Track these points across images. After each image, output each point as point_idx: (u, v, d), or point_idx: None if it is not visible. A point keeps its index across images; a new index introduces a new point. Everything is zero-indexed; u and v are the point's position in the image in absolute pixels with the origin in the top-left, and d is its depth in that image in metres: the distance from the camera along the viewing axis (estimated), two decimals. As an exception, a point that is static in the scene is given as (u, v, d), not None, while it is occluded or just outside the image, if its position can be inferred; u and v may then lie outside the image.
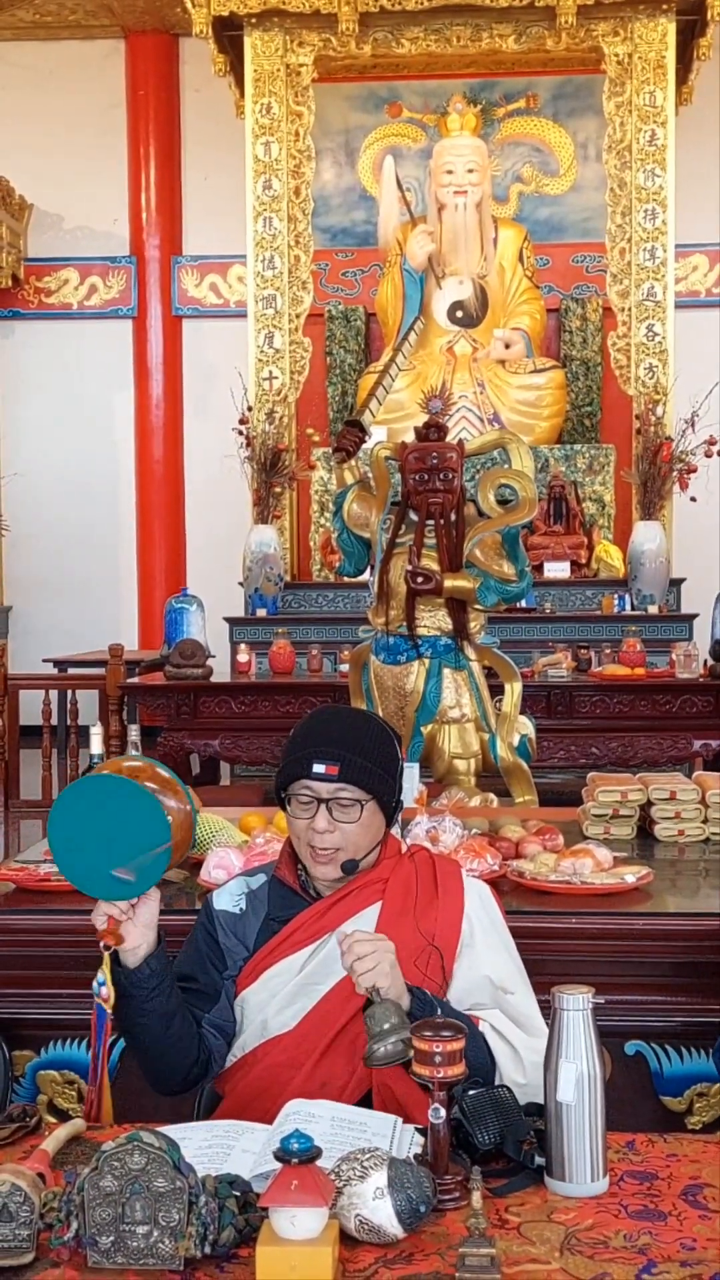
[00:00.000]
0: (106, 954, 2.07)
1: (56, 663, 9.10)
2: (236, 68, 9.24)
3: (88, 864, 2.03)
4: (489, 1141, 1.84)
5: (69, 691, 7.89)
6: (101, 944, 2.06)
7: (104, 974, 2.07)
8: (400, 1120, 1.90)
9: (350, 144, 10.41)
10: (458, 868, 2.34)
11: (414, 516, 4.00)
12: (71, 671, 8.80)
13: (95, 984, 2.08)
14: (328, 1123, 1.84)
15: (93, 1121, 2.11)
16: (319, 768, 2.19)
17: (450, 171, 9.47)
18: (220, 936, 2.25)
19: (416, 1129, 1.88)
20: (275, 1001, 2.17)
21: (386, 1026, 1.92)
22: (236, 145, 9.26)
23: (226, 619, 8.20)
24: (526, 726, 4.15)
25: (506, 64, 9.59)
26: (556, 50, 8.94)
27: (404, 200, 9.37)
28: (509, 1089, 1.94)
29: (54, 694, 7.79)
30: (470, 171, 9.48)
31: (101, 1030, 2.09)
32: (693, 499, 8.46)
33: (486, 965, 2.19)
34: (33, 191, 10.76)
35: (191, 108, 10.84)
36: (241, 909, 2.26)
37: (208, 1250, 1.58)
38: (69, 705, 7.78)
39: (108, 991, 2.07)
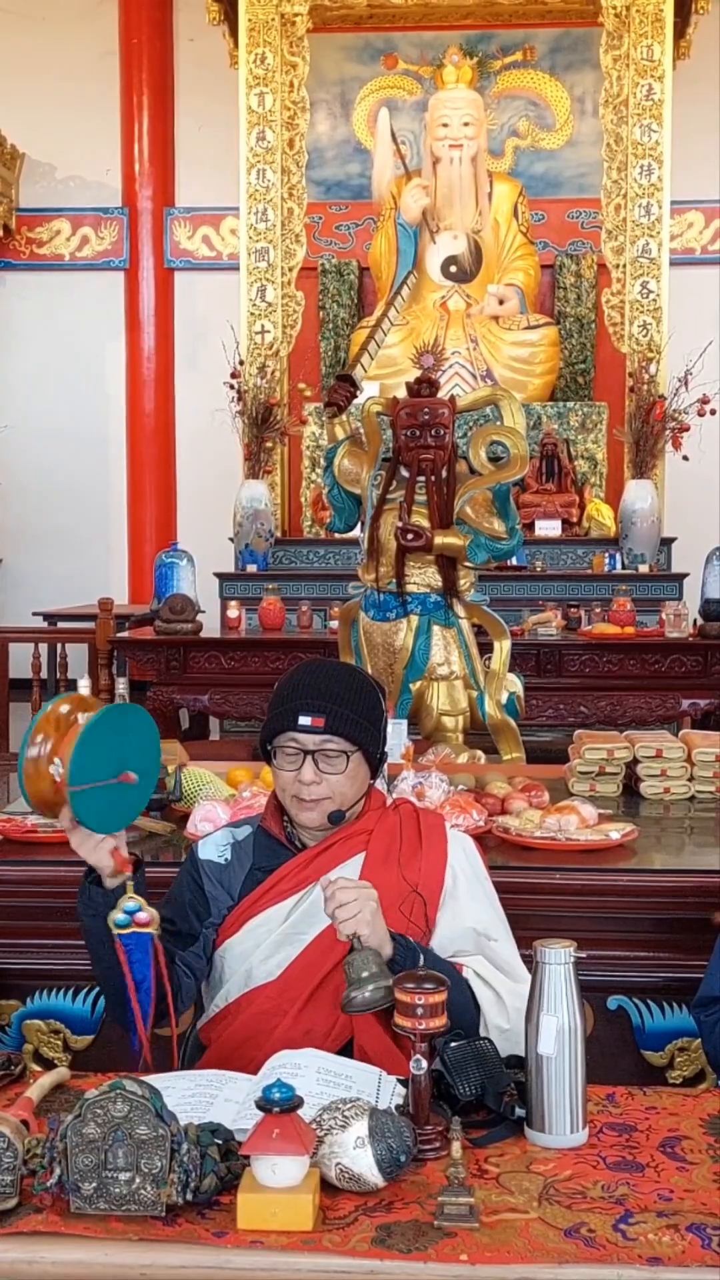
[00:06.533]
0: (130, 884, 2.03)
1: (46, 616, 9.08)
2: (231, 17, 9.11)
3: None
4: (470, 1093, 1.85)
5: (58, 645, 7.88)
6: (123, 876, 2.03)
7: (136, 900, 2.02)
8: (384, 1074, 1.91)
9: (345, 96, 10.29)
10: (441, 820, 2.36)
11: (405, 473, 3.98)
12: (61, 625, 8.76)
13: (125, 914, 2.01)
14: (313, 1074, 1.86)
15: (148, 1063, 2.07)
16: (305, 720, 2.19)
17: (446, 125, 9.36)
18: (206, 885, 2.26)
19: (398, 1080, 1.90)
20: (259, 951, 2.19)
21: (365, 975, 1.94)
22: (230, 96, 9.14)
23: (216, 574, 8.17)
24: (515, 684, 4.15)
25: (504, 16, 9.47)
26: (554, 2, 8.83)
27: (399, 153, 9.27)
28: (490, 1041, 1.96)
29: (43, 647, 7.77)
30: (466, 125, 9.36)
31: (149, 957, 2.03)
32: (685, 458, 8.42)
33: (470, 916, 2.21)
34: (24, 140, 10.64)
35: (185, 57, 10.71)
36: (226, 859, 2.28)
37: (190, 1197, 1.60)
38: (58, 659, 7.77)
39: (146, 915, 2.02)
